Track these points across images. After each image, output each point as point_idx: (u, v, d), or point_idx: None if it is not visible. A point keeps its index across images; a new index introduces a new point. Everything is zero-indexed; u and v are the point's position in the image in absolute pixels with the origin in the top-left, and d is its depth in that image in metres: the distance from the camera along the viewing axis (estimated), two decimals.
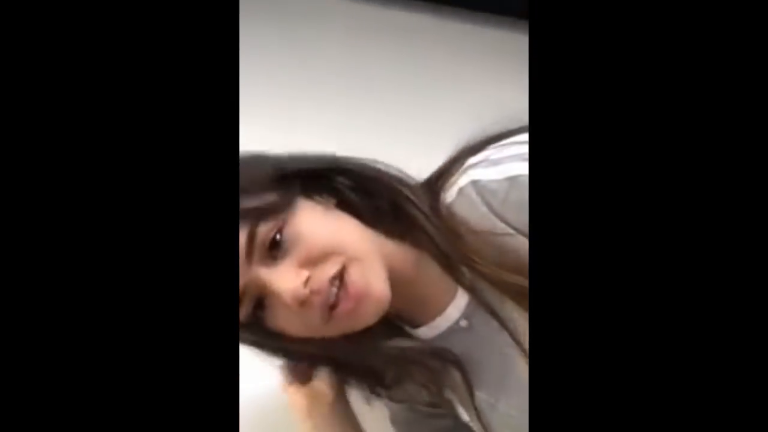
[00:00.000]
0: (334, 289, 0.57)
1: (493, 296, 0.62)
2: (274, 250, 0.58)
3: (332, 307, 0.57)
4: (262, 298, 0.59)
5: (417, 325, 0.67)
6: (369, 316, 0.59)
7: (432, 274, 0.64)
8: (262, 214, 0.58)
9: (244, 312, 0.59)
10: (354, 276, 0.58)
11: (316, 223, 0.59)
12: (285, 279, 0.57)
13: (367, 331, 0.63)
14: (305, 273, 0.57)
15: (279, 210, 0.58)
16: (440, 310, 0.66)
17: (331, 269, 0.57)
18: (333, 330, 0.60)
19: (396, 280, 0.61)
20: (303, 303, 0.57)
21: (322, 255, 0.58)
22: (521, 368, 0.63)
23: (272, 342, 0.63)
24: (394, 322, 0.68)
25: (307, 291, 0.56)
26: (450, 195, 0.62)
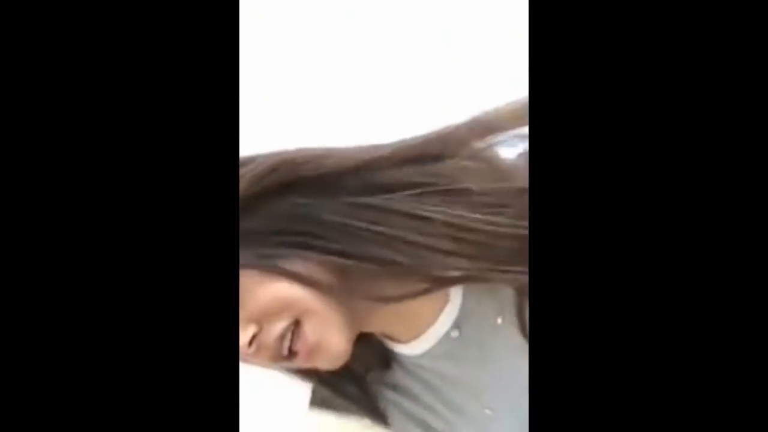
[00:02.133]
0: (286, 343, 0.56)
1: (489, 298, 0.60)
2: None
3: (286, 358, 0.57)
4: None
5: (405, 341, 0.64)
6: (331, 361, 0.58)
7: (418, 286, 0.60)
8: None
9: None
10: (306, 330, 0.56)
11: (270, 279, 0.56)
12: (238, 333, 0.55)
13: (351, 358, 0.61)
14: (252, 329, 0.56)
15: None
16: (429, 323, 0.62)
17: (279, 326, 0.56)
18: (297, 364, 0.59)
19: (375, 306, 0.59)
20: (255, 355, 0.56)
21: (274, 310, 0.56)
22: (522, 376, 0.57)
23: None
24: (380, 340, 0.66)
25: (252, 349, 0.56)
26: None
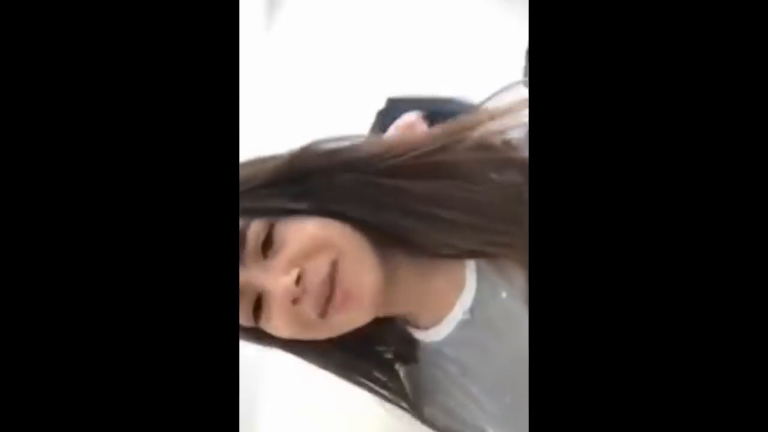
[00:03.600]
0: (328, 285, 0.56)
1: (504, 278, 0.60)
2: (265, 249, 0.57)
3: (326, 301, 0.56)
4: (258, 299, 0.58)
5: (426, 327, 0.65)
6: (363, 308, 0.58)
7: (440, 268, 0.62)
8: (252, 214, 0.58)
9: (243, 315, 0.58)
10: (345, 269, 0.56)
11: (305, 221, 0.58)
12: (276, 278, 0.56)
13: (373, 337, 0.63)
14: (296, 270, 0.56)
15: (269, 211, 0.58)
16: (449, 307, 0.63)
17: (321, 265, 0.56)
18: (328, 329, 0.59)
19: (400, 283, 0.60)
20: (296, 300, 0.56)
21: (313, 250, 0.57)
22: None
23: (274, 344, 0.63)
24: (401, 326, 0.67)
25: (299, 289, 0.56)
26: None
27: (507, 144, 0.59)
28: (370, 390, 0.69)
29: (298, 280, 0.56)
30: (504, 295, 0.61)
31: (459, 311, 0.62)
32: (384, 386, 0.68)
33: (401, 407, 0.69)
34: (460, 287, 0.62)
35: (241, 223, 0.57)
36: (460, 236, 0.59)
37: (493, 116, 0.60)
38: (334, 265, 0.56)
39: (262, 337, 0.61)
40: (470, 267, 0.62)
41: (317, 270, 0.56)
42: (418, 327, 0.65)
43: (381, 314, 0.62)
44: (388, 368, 0.69)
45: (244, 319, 0.58)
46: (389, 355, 0.69)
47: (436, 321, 0.63)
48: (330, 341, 0.61)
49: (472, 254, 0.61)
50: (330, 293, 0.56)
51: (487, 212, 0.58)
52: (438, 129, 0.62)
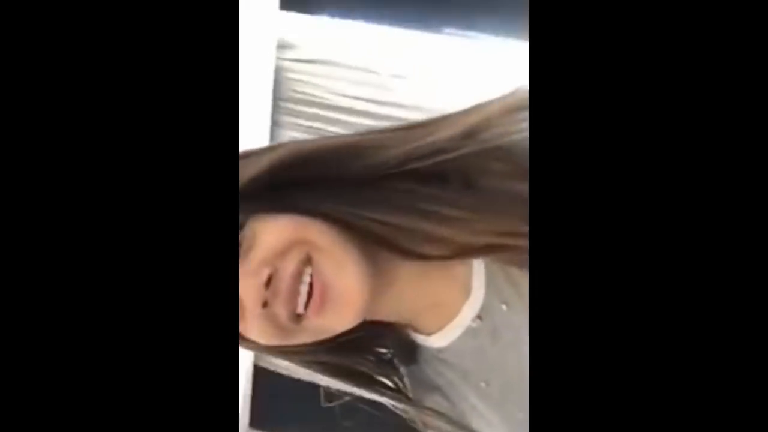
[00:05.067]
0: (304, 286, 0.52)
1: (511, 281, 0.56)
2: (245, 245, 0.53)
3: (300, 303, 0.52)
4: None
5: (429, 333, 0.61)
6: (341, 315, 0.53)
7: (442, 272, 0.58)
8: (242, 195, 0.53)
9: None
10: (322, 267, 0.52)
11: (278, 217, 0.54)
12: (248, 280, 0.52)
13: (369, 339, 0.60)
14: (266, 270, 0.52)
15: (242, 209, 0.53)
16: (454, 313, 0.59)
17: (293, 262, 0.52)
18: (306, 335, 0.54)
19: (395, 287, 0.57)
20: (265, 304, 0.52)
21: (285, 248, 0.52)
22: None
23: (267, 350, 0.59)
24: (404, 331, 0.63)
25: (269, 292, 0.52)
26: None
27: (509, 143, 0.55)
28: (368, 389, 0.65)
29: (269, 281, 0.52)
30: (504, 308, 0.57)
31: (467, 317, 0.58)
32: (384, 387, 0.64)
33: (401, 407, 0.65)
34: (466, 292, 0.58)
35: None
36: (452, 233, 0.54)
37: (490, 114, 0.56)
38: (307, 262, 0.52)
39: (248, 342, 0.56)
40: (478, 272, 0.58)
41: (289, 267, 0.52)
42: (419, 331, 0.62)
43: (376, 318, 0.59)
44: (388, 368, 0.65)
45: None
46: (388, 356, 0.65)
47: (440, 327, 0.60)
48: (318, 344, 0.56)
49: (464, 253, 0.56)
50: (306, 294, 0.52)
51: (485, 210, 0.54)
52: (434, 125, 0.58)
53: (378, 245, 0.55)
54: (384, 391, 0.65)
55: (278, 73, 2.24)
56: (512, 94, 0.57)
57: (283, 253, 0.52)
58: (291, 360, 0.63)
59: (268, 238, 0.53)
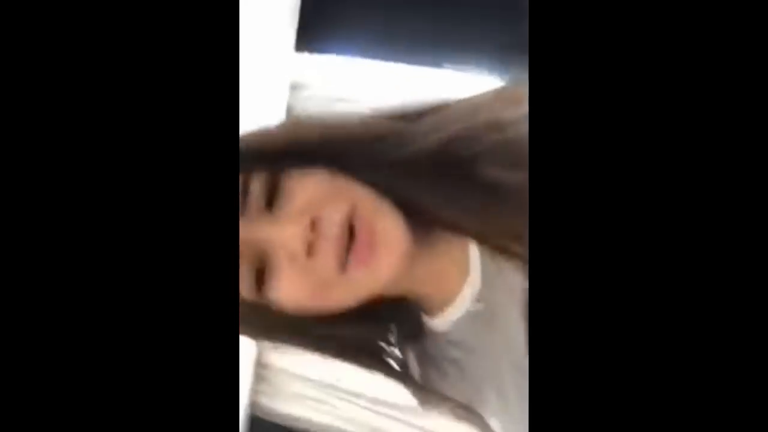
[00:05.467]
0: (344, 230, 0.49)
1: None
2: (270, 201, 0.50)
3: (347, 250, 0.49)
4: (263, 265, 0.50)
5: (433, 313, 0.59)
6: (387, 262, 0.50)
7: (446, 248, 0.56)
8: (257, 161, 0.51)
9: (244, 284, 0.51)
10: (365, 213, 0.49)
11: (315, 170, 0.51)
12: (286, 227, 0.48)
13: (382, 317, 0.57)
14: (307, 217, 0.48)
15: (273, 164, 0.51)
16: (455, 292, 0.57)
17: (337, 211, 0.49)
18: (347, 290, 0.51)
19: (415, 261, 0.54)
20: (311, 249, 0.49)
21: (326, 199, 0.49)
22: None
23: (278, 325, 0.55)
24: (413, 308, 0.61)
25: (314, 235, 0.48)
26: None
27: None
28: (375, 370, 0.61)
29: (313, 224, 0.48)
30: (494, 293, 0.56)
31: (467, 299, 0.57)
32: (390, 370, 0.61)
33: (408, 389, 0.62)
34: (465, 273, 0.57)
35: (241, 177, 0.50)
36: (468, 218, 0.52)
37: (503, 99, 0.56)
38: (352, 211, 0.49)
39: (261, 314, 0.53)
40: (474, 254, 0.56)
41: (332, 217, 0.49)
42: (425, 311, 0.60)
43: (392, 293, 0.57)
44: (396, 348, 0.62)
45: (245, 290, 0.51)
46: (397, 337, 0.62)
47: (445, 304, 0.58)
48: (337, 318, 0.53)
49: (478, 236, 0.54)
50: (350, 241, 0.49)
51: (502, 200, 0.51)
52: (456, 110, 0.57)
53: (404, 210, 0.53)
54: (390, 373, 0.61)
55: (289, 112, 2.28)
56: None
57: (325, 201, 0.50)
58: (305, 339, 0.59)
59: (308, 188, 0.50)
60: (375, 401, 2.29)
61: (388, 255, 0.50)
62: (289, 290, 0.50)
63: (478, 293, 0.57)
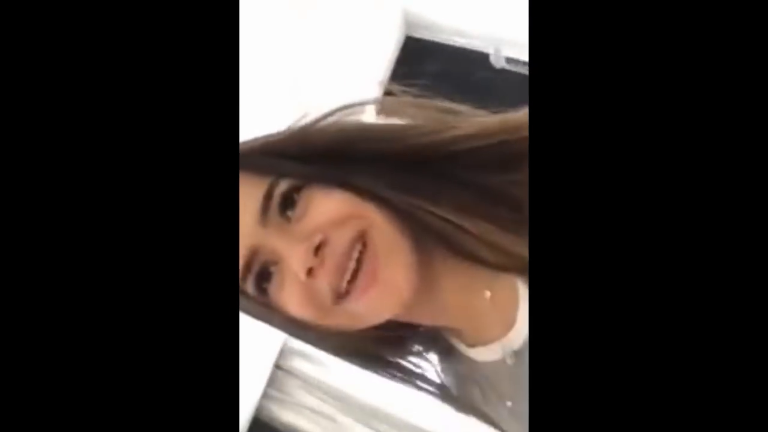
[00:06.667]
0: (352, 262, 0.49)
1: None
2: (289, 210, 0.50)
3: (346, 280, 0.49)
4: (268, 266, 0.51)
5: (471, 345, 0.57)
6: (384, 302, 0.49)
7: (494, 280, 0.53)
8: (284, 169, 0.52)
9: (249, 281, 0.51)
10: (376, 243, 0.49)
11: (335, 189, 0.51)
12: (294, 243, 0.49)
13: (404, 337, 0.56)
14: (319, 236, 0.49)
15: (300, 171, 0.52)
16: (493, 338, 0.54)
17: (347, 233, 0.49)
18: (343, 319, 0.51)
19: (441, 287, 0.53)
20: (311, 272, 0.49)
21: (341, 219, 0.49)
22: None
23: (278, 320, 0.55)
24: (443, 335, 0.60)
25: (317, 259, 0.48)
26: None
27: None
28: (394, 378, 0.60)
29: (318, 248, 0.48)
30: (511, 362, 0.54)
31: (515, 339, 0.53)
32: (413, 376, 0.60)
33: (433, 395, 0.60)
34: (510, 321, 0.53)
35: (270, 177, 0.51)
36: (509, 240, 0.50)
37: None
38: (361, 237, 0.49)
39: (260, 307, 0.53)
40: (524, 300, 0.52)
41: (341, 239, 0.49)
42: (460, 340, 0.58)
43: (413, 321, 0.55)
44: (419, 359, 0.60)
45: (249, 286, 0.52)
46: (423, 354, 0.61)
47: (485, 342, 0.55)
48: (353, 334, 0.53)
49: (520, 267, 0.50)
50: (353, 270, 0.49)
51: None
52: (494, 118, 0.54)
53: (434, 241, 0.52)
54: (422, 385, 0.60)
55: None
56: None
57: (338, 223, 0.50)
58: (328, 342, 0.58)
59: (325, 207, 0.50)
60: (393, 425, 2.14)
61: (386, 296, 0.49)
62: (291, 303, 0.51)
63: (518, 350, 0.53)
